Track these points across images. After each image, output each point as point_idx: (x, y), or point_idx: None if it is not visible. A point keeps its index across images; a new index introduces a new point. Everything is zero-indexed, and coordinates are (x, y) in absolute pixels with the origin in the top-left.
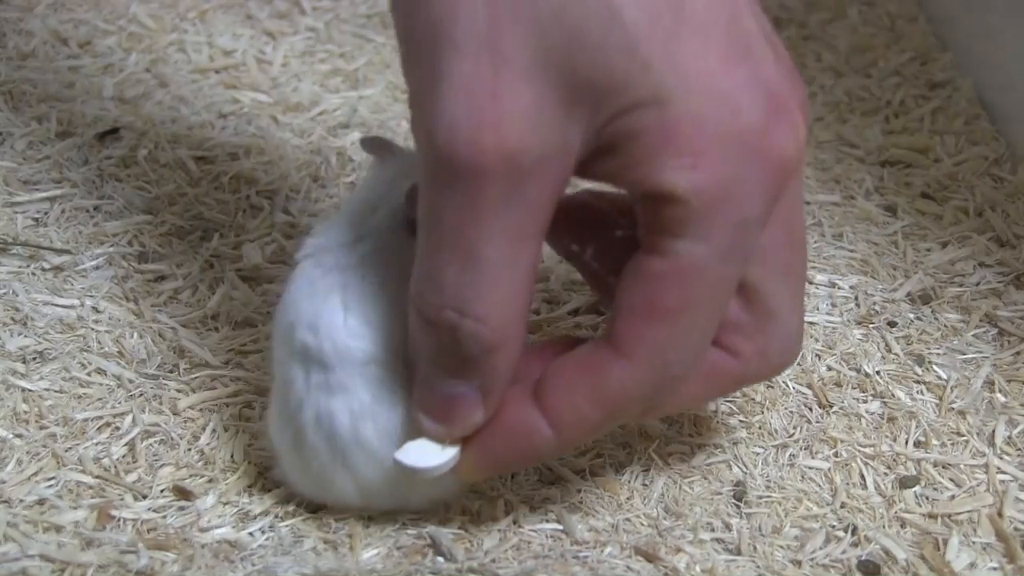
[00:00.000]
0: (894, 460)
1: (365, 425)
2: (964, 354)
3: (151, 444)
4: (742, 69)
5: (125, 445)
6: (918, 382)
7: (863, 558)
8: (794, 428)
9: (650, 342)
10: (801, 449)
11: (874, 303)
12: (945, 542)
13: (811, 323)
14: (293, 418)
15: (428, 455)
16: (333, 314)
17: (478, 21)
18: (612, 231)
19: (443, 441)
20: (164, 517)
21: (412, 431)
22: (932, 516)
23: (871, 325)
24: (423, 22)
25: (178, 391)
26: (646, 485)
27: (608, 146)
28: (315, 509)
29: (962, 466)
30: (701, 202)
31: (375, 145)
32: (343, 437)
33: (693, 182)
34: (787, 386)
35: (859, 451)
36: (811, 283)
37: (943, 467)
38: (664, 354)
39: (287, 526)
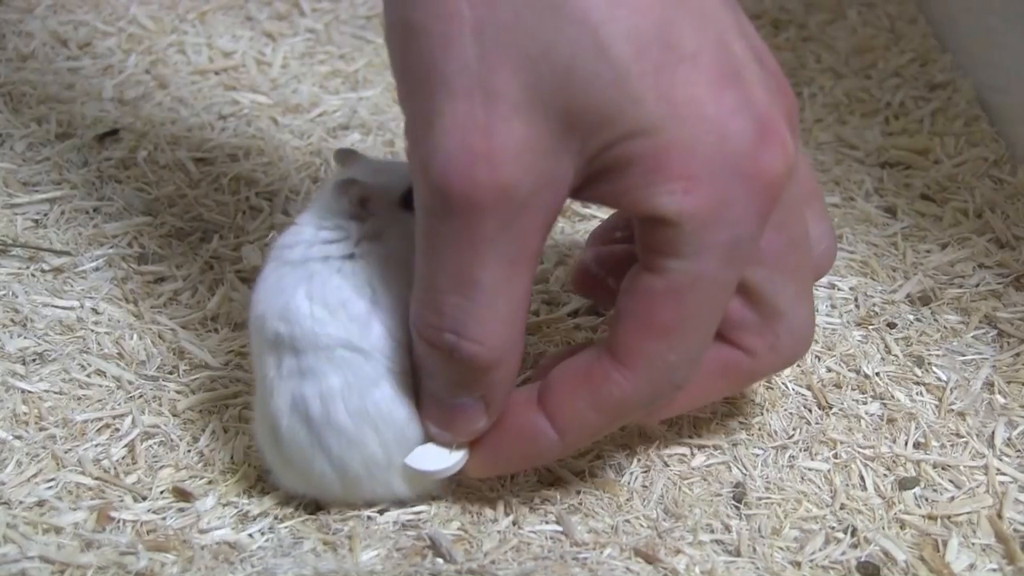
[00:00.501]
0: (894, 461)
1: (336, 408)
2: (964, 355)
3: (151, 445)
4: (730, 94)
5: (125, 446)
6: (918, 383)
7: (863, 559)
8: (794, 429)
9: (648, 354)
10: (801, 450)
11: (874, 304)
12: (945, 543)
13: None
14: (267, 408)
15: (438, 458)
16: (300, 304)
17: (469, 59)
18: (612, 232)
19: (449, 446)
20: (164, 518)
21: (422, 436)
22: (932, 517)
23: (871, 326)
24: (416, 59)
25: (178, 392)
26: (646, 487)
27: (601, 174)
28: (314, 511)
29: (962, 467)
30: (693, 224)
31: (345, 157)
32: (316, 420)
33: (684, 206)
34: (787, 387)
35: (859, 452)
36: None
37: (943, 468)
38: (662, 364)
39: (287, 527)
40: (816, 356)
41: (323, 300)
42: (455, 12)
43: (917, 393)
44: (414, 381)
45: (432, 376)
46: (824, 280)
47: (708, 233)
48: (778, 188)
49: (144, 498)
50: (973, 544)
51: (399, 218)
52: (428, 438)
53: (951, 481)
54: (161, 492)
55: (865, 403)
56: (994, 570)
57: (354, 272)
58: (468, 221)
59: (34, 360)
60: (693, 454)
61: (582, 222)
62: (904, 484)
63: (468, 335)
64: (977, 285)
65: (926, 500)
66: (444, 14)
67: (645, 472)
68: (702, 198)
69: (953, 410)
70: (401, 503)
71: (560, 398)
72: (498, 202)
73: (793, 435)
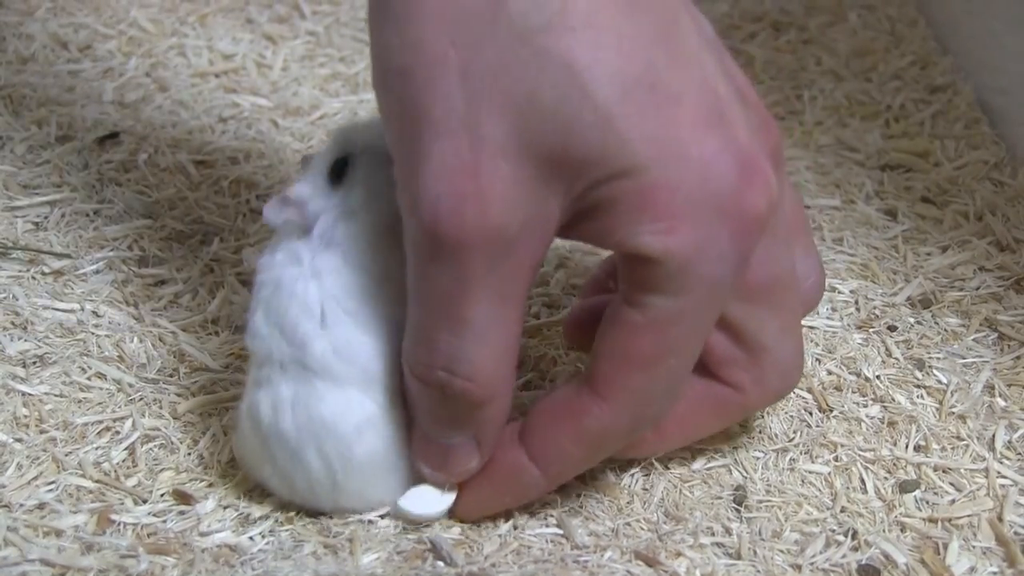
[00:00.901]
0: (894, 464)
1: (284, 417)
2: (964, 358)
3: (151, 448)
4: (713, 135)
5: (125, 449)
6: (918, 386)
7: (863, 562)
8: (794, 432)
9: (627, 386)
10: (801, 453)
11: (874, 307)
12: (945, 546)
13: (811, 327)
14: (239, 411)
15: (429, 502)
16: (259, 324)
17: (456, 102)
18: (605, 283)
19: (443, 486)
20: (164, 521)
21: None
22: (932, 520)
23: (871, 329)
24: (403, 102)
25: (178, 395)
26: (646, 489)
27: (586, 212)
28: (316, 514)
29: (962, 470)
30: (675, 263)
31: (304, 163)
32: (265, 426)
33: (667, 245)
34: None
35: (859, 455)
36: None
37: (943, 471)
38: (641, 397)
39: (287, 530)
40: (816, 359)
41: (276, 321)
42: (441, 56)
43: (918, 396)
44: (407, 416)
45: (424, 415)
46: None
47: (690, 271)
48: (760, 226)
49: (144, 501)
50: (974, 547)
51: (338, 204)
52: (419, 478)
53: (952, 484)
54: (161, 495)
55: (866, 406)
56: (995, 573)
57: (306, 293)
58: (458, 261)
59: (34, 363)
60: (693, 457)
61: None
62: (905, 487)
63: (460, 372)
64: (978, 288)
65: (927, 503)
66: (430, 58)
67: (646, 475)
68: (685, 237)
69: (954, 413)
70: None
71: (540, 434)
72: (487, 242)
73: (793, 438)
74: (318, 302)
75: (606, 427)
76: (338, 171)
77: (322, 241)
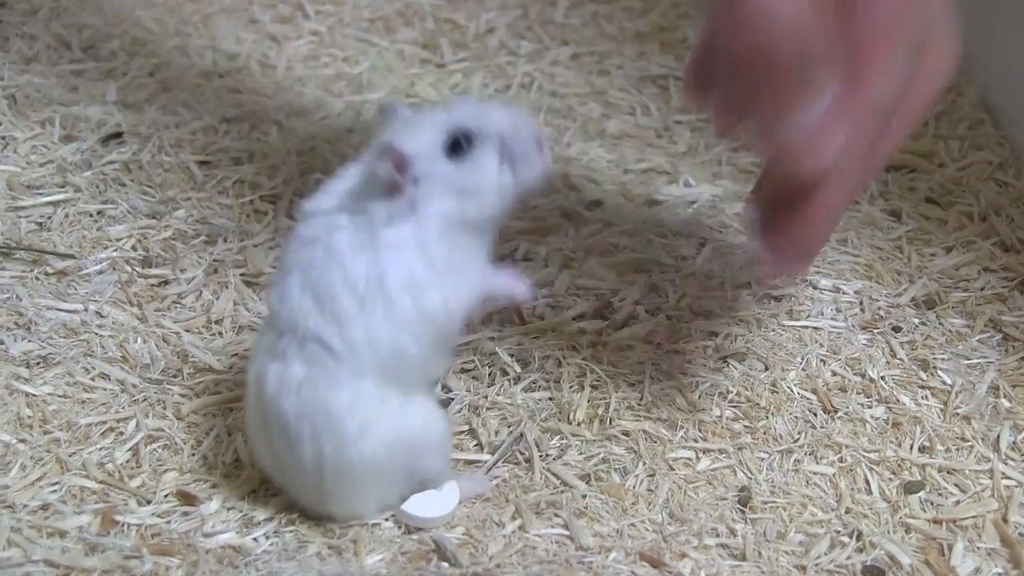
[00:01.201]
0: (899, 465)
1: (288, 396)
2: (969, 359)
3: (155, 449)
4: None
5: (129, 450)
6: (923, 387)
7: (868, 563)
8: (799, 433)
9: (886, 57)
10: (806, 454)
11: (879, 308)
12: (950, 547)
13: (816, 328)
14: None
15: (432, 507)
16: (292, 290)
17: None
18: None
19: (814, 168)
20: (168, 522)
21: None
22: (937, 521)
23: (876, 330)
24: None
25: (182, 396)
26: (651, 491)
27: None
28: (319, 515)
29: (967, 471)
30: None
31: (385, 111)
32: (267, 399)
33: None
34: (792, 391)
35: (864, 456)
36: (816, 288)
37: (948, 472)
38: (889, 74)
39: (291, 531)
40: (821, 360)
41: (315, 290)
42: None
43: (922, 397)
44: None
45: (774, 97)
46: (829, 284)
47: None
48: None
49: (148, 502)
50: (978, 548)
51: (449, 178)
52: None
53: (956, 485)
54: (165, 496)
55: (870, 407)
56: (999, 574)
57: (355, 265)
58: None
59: (38, 363)
60: (698, 458)
61: (586, 225)
62: (909, 488)
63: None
64: (982, 289)
65: (931, 504)
66: None
67: (650, 476)
68: None
69: (958, 414)
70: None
71: (827, 138)
72: None
73: (798, 439)
74: (363, 278)
75: (879, 96)
76: (459, 145)
77: (409, 208)
